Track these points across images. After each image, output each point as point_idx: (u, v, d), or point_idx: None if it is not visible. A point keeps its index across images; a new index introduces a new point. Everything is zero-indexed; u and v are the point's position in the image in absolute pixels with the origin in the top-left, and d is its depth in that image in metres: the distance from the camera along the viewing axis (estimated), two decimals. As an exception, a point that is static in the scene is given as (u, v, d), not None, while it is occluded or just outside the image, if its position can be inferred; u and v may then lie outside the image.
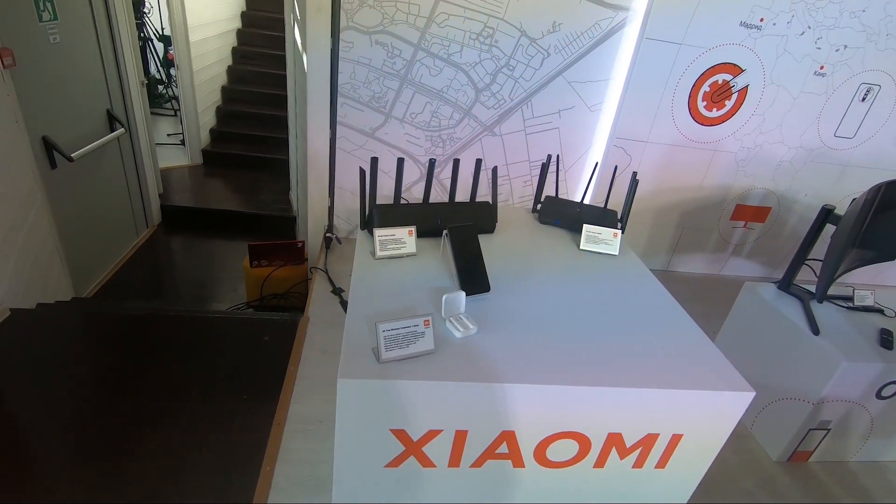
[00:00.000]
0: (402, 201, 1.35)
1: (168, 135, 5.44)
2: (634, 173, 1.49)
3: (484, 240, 1.35)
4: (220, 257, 3.97)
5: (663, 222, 2.92)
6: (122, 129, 3.37)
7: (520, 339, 1.01)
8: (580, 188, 2.74)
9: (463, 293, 1.01)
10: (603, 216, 1.54)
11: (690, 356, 1.03)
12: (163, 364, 1.97)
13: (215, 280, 3.66)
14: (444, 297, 0.98)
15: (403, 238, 1.22)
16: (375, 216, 1.28)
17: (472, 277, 1.11)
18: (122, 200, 3.59)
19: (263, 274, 2.98)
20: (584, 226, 1.41)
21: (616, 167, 1.55)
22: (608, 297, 1.21)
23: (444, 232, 1.12)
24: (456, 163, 1.35)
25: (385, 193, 1.29)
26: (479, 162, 1.38)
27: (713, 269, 3.18)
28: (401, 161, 1.26)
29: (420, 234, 1.27)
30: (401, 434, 0.93)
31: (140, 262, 3.67)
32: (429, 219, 1.34)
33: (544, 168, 1.52)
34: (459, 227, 1.13)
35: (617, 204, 1.53)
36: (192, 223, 4.26)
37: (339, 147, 2.64)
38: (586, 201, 1.61)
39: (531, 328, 1.05)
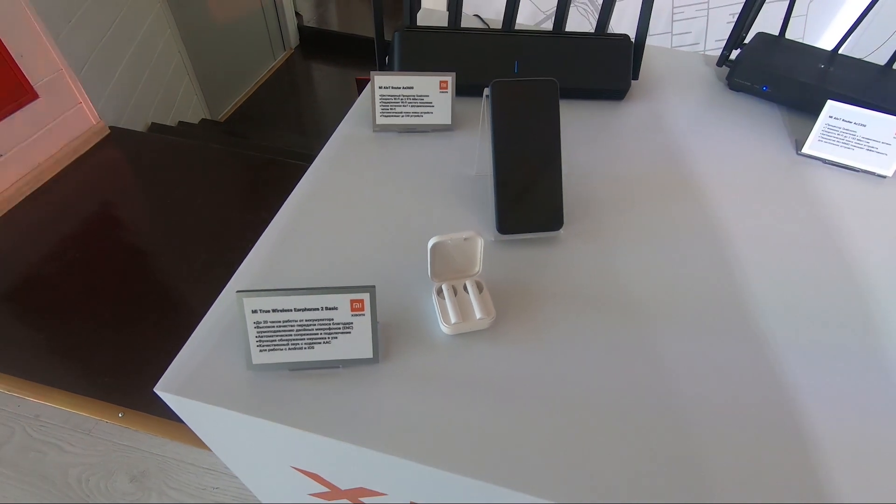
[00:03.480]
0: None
1: (319, -57, 4.93)
2: None
3: (598, 112, 0.71)
4: (353, 87, 3.67)
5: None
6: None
7: (587, 368, 0.46)
8: (835, 29, 1.65)
9: (478, 239, 0.46)
10: (881, 84, 0.74)
11: None
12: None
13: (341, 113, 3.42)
14: (430, 243, 0.45)
15: (429, 93, 0.65)
16: (396, 46, 0.71)
17: (524, 197, 0.54)
18: (255, 17, 3.37)
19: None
20: (830, 102, 0.66)
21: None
22: (850, 312, 0.54)
23: (485, 91, 0.53)
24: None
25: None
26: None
27: None
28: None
29: (476, 91, 0.68)
30: (315, 477, 0.51)
31: (273, 88, 3.55)
32: (497, 60, 0.72)
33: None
34: (520, 84, 0.52)
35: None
36: (330, 48, 3.94)
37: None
38: (847, 50, 0.80)
39: (631, 347, 0.48)
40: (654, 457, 0.40)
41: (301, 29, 3.89)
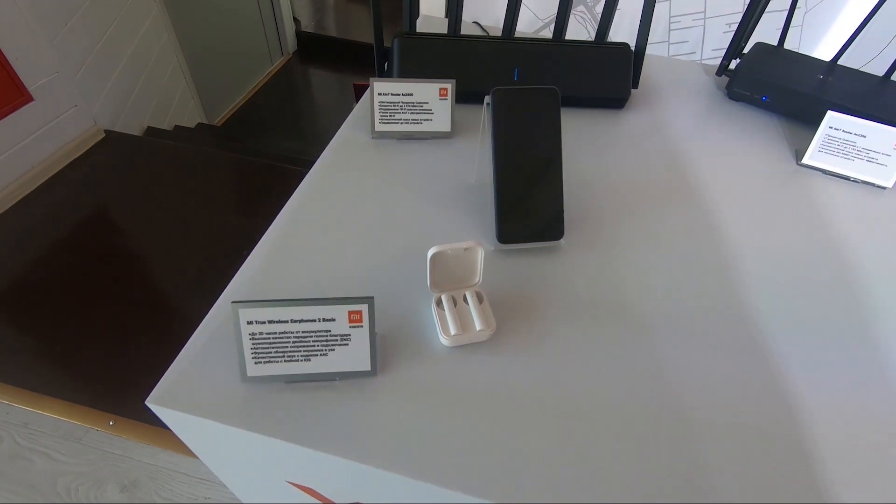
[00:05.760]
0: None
1: (317, -51, 4.95)
2: None
3: (598, 121, 0.71)
4: (351, 93, 3.67)
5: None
6: (245, -64, 2.97)
7: (589, 378, 0.45)
8: (831, 40, 1.67)
9: (479, 249, 0.45)
10: (880, 95, 0.74)
11: None
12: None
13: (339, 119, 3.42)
14: (429, 253, 0.44)
15: (428, 100, 0.65)
16: (395, 52, 0.71)
17: (525, 208, 0.53)
18: (253, 23, 3.37)
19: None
20: (830, 112, 0.66)
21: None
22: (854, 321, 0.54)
23: (486, 99, 0.53)
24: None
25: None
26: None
27: None
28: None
29: (475, 98, 0.68)
30: (311, 491, 0.50)
31: (270, 92, 3.54)
32: (497, 68, 0.72)
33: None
34: (520, 92, 0.52)
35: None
36: (327, 53, 3.94)
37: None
38: (844, 61, 0.80)
39: (631, 354, 0.47)
40: (656, 468, 0.39)
41: (299, 34, 3.89)
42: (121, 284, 1.53)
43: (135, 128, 2.28)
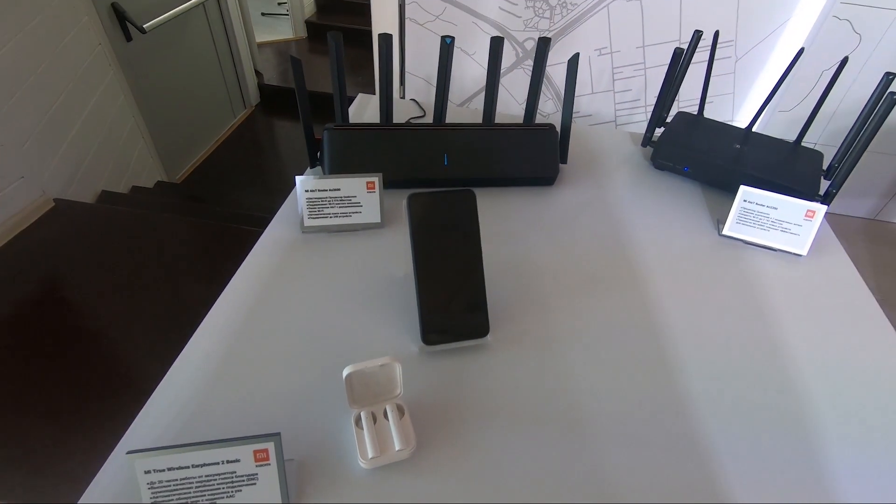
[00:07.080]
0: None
1: (279, 3, 5.07)
2: (890, 77, 0.68)
3: (529, 199, 0.73)
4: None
5: (890, 149, 1.85)
6: (203, -5, 3.01)
7: (517, 490, 0.44)
8: (752, 104, 1.77)
9: (396, 365, 0.44)
10: (790, 163, 0.78)
11: None
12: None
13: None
14: (344, 373, 0.43)
15: (356, 194, 0.65)
16: (325, 145, 0.72)
17: (448, 309, 0.53)
18: (214, 78, 3.38)
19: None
20: (743, 187, 0.69)
21: (846, 59, 0.74)
22: (784, 405, 0.55)
23: (403, 202, 0.53)
24: (575, 58, 0.70)
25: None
26: (575, 57, 0.70)
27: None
28: (446, 46, 0.65)
29: (407, 185, 0.69)
30: None
31: (233, 146, 3.54)
32: (427, 154, 0.73)
33: (679, 58, 0.77)
34: (436, 196, 0.53)
35: (822, 138, 0.75)
36: (291, 105, 3.95)
37: (410, 17, 1.98)
38: (761, 128, 0.85)
39: (565, 463, 0.47)
40: None
41: (262, 87, 3.93)
42: (70, 365, 1.46)
43: (88, 193, 2.24)
